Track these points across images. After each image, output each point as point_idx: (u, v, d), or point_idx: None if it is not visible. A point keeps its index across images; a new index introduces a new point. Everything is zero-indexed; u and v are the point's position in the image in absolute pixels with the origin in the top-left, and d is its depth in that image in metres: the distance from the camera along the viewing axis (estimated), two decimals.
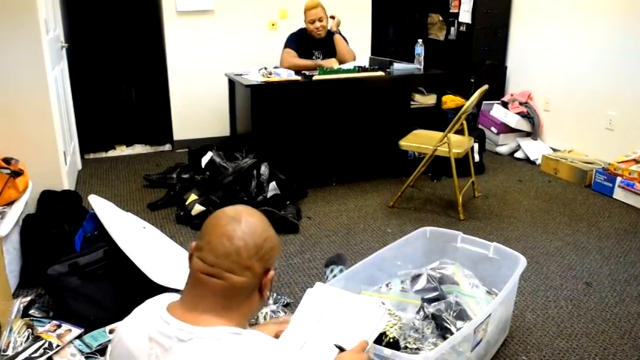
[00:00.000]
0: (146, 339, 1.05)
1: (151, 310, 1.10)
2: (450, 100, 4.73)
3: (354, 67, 3.93)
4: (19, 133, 3.03)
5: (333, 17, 4.23)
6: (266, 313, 2.24)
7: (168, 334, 1.03)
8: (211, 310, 1.05)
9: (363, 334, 1.50)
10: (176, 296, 1.15)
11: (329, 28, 4.16)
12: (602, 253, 2.95)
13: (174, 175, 3.75)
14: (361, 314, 1.57)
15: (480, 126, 4.92)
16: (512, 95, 4.95)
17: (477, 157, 4.20)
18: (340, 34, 4.23)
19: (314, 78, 3.75)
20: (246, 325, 1.11)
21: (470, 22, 4.98)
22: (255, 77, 3.75)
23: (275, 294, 2.39)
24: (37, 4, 2.94)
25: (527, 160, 4.60)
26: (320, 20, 4.05)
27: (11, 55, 2.93)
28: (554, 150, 4.57)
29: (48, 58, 3.06)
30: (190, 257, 1.11)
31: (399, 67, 4.08)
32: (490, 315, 1.88)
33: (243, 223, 1.07)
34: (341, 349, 1.44)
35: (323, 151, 3.92)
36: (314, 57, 4.20)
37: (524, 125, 4.76)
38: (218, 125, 4.84)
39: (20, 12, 2.89)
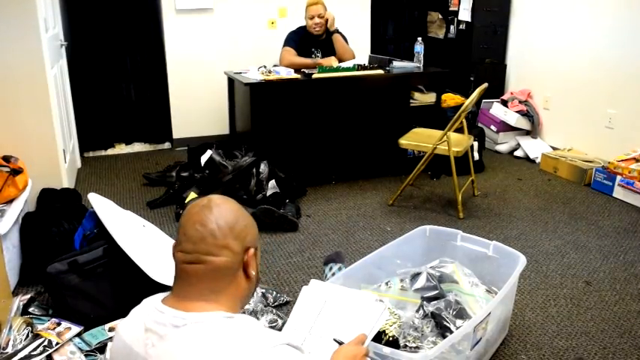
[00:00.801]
0: (142, 330, 1.08)
1: (146, 305, 1.14)
2: (450, 99, 4.73)
3: (354, 65, 3.93)
4: (18, 131, 3.03)
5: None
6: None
7: (163, 322, 1.06)
8: (201, 296, 1.09)
9: (363, 328, 1.50)
10: None
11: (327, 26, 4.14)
12: (601, 252, 2.95)
13: (174, 174, 3.75)
14: (360, 309, 1.58)
15: (480, 124, 4.91)
16: (511, 93, 4.95)
17: (476, 156, 4.20)
18: (340, 32, 4.22)
19: (313, 76, 3.75)
20: (238, 310, 1.14)
21: (469, 20, 4.98)
22: (255, 75, 3.75)
23: (275, 292, 2.40)
24: (37, 2, 2.93)
25: (526, 158, 4.60)
26: (319, 17, 4.05)
27: (10, 54, 2.92)
28: (554, 148, 4.56)
29: (47, 57, 3.06)
30: (174, 255, 1.14)
31: (399, 65, 4.07)
32: (490, 314, 1.88)
33: (214, 209, 1.11)
34: (340, 344, 1.44)
35: (322, 149, 3.92)
36: (313, 55, 4.20)
37: (523, 124, 4.76)
38: (217, 123, 4.83)
39: (19, 10, 2.89)
